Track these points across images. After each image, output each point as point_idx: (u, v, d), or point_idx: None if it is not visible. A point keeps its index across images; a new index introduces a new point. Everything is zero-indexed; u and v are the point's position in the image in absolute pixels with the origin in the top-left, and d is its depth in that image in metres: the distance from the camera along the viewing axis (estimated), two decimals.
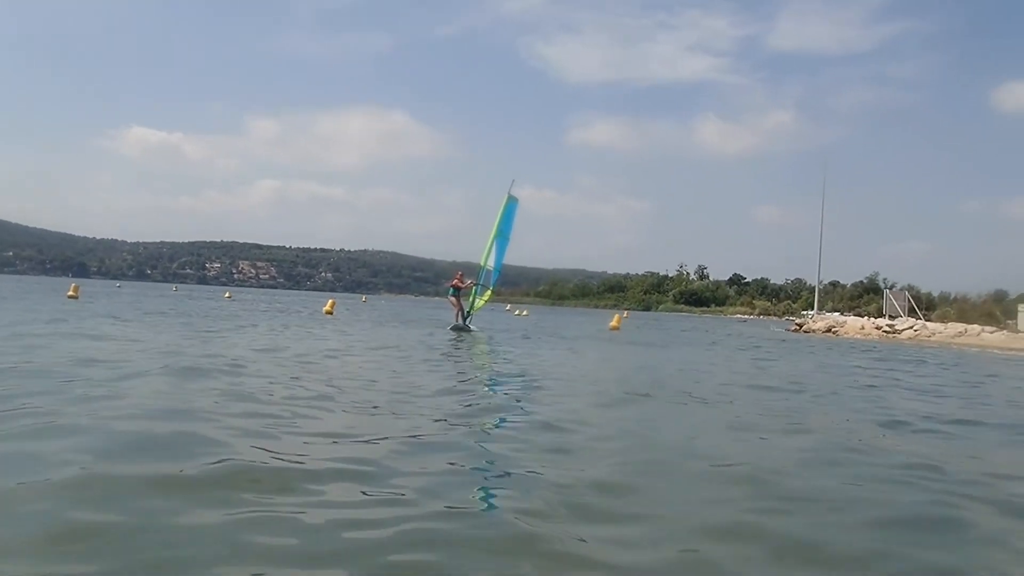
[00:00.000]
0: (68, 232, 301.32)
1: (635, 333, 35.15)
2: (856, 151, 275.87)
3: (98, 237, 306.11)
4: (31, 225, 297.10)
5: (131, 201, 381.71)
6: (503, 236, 25.10)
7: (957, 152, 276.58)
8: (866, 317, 58.10)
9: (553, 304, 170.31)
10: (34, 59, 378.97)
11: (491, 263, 24.82)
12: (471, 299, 24.66)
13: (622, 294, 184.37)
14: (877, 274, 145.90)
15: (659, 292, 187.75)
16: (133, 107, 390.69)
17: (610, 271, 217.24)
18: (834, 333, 49.20)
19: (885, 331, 46.14)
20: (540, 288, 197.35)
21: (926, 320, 50.45)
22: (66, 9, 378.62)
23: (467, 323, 24.39)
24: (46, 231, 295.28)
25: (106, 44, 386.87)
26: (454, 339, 21.03)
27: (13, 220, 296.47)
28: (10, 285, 61.87)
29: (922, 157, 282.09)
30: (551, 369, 13.46)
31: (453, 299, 24.68)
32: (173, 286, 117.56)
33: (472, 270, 25.05)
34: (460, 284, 24.34)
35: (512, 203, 25.29)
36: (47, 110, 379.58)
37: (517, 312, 63.65)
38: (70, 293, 36.85)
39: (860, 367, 19.21)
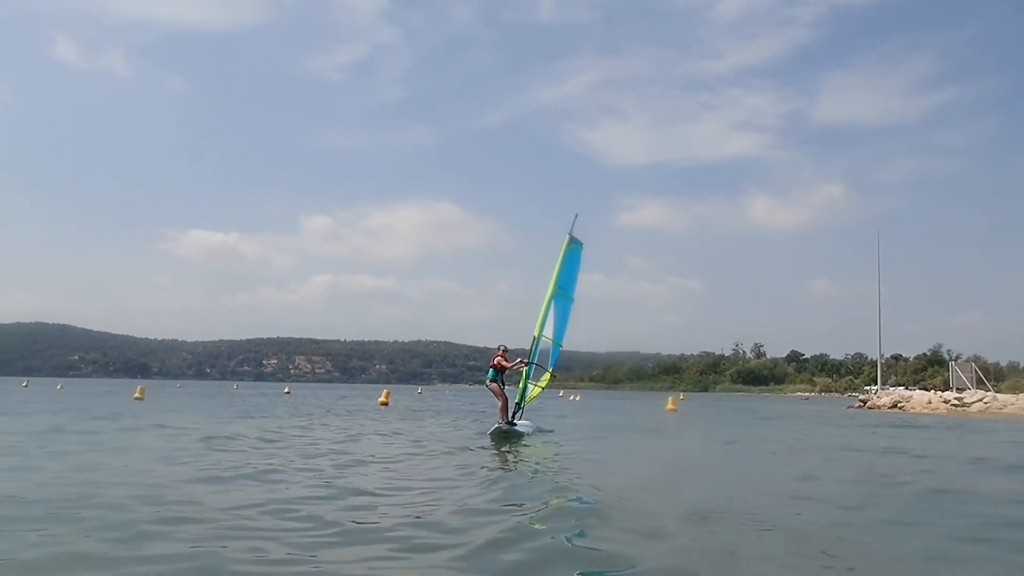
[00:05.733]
0: (130, 334, 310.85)
1: (703, 419, 34.55)
2: (909, 221, 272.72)
3: (159, 338, 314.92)
4: (94, 329, 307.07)
5: (190, 301, 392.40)
6: (564, 294, 17.77)
7: (1010, 219, 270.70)
8: (932, 391, 56.41)
9: (608, 387, 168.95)
10: (93, 168, 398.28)
11: (549, 332, 17.36)
12: (522, 384, 17.23)
13: (678, 376, 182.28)
14: (940, 346, 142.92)
15: (715, 372, 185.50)
16: (191, 211, 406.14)
17: (664, 352, 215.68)
18: (901, 408, 47.82)
19: (953, 404, 44.72)
20: (594, 372, 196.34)
21: (996, 391, 48.81)
22: (120, 120, 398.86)
23: (515, 419, 16.80)
24: (109, 334, 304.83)
25: (162, 151, 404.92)
26: (495, 460, 11.99)
27: (78, 324, 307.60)
28: (92, 389, 63.51)
29: (975, 225, 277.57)
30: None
31: (494, 385, 16.77)
32: (234, 384, 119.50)
33: (523, 356, 17.23)
34: (504, 363, 16.70)
35: (575, 248, 17.99)
36: (107, 217, 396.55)
37: (571, 397, 63.37)
38: (136, 395, 37.81)
39: None
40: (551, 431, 18.43)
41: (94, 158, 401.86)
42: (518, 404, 17.16)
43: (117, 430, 16.29)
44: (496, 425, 16.53)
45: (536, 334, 17.08)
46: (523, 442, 15.26)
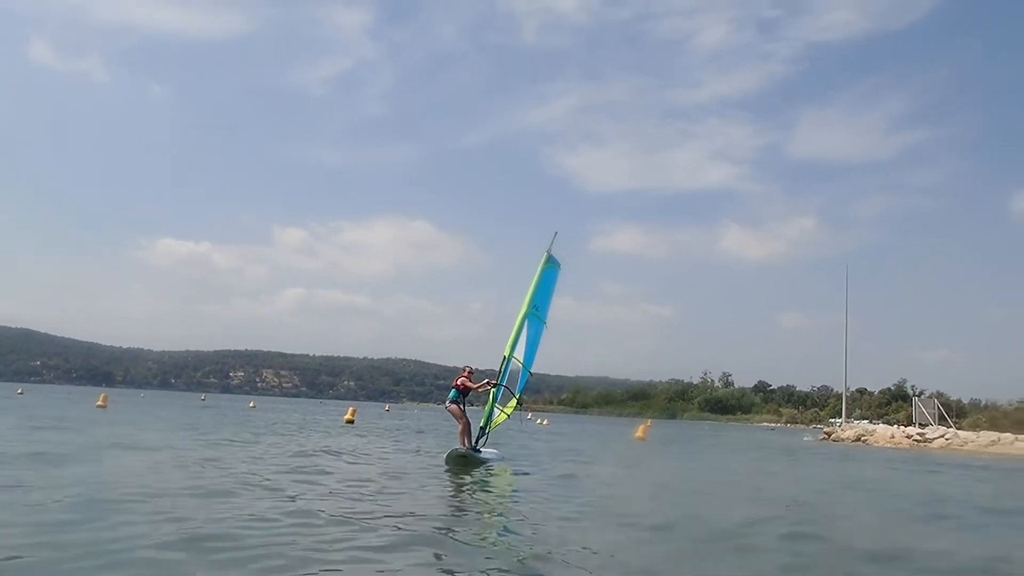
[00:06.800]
0: (95, 341, 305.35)
1: (687, 452, 34.65)
2: (879, 257, 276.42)
3: (124, 346, 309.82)
4: (58, 335, 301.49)
5: (158, 310, 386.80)
6: (537, 316, 16.59)
7: (979, 258, 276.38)
8: (896, 425, 57.13)
9: (576, 411, 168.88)
10: (64, 171, 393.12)
11: (520, 354, 16.13)
12: (488, 408, 15.88)
13: (646, 402, 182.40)
14: (905, 381, 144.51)
15: (684, 399, 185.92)
16: (162, 219, 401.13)
17: (633, 378, 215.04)
18: (864, 442, 48.39)
19: (916, 440, 45.33)
20: (563, 396, 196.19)
21: (957, 428, 49.57)
22: (95, 125, 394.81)
23: (478, 444, 15.69)
24: (73, 340, 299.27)
25: (135, 157, 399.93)
26: (449, 489, 11.71)
27: (41, 330, 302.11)
28: (54, 397, 62.35)
29: (945, 263, 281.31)
30: None
31: (455, 407, 15.51)
32: (202, 395, 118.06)
33: (491, 376, 16.08)
34: (469, 384, 15.62)
35: (552, 268, 16.95)
36: (77, 222, 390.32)
37: (539, 421, 63.33)
38: (99, 403, 37.31)
39: None
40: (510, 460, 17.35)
41: (65, 162, 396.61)
42: (482, 429, 15.83)
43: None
44: (453, 448, 15.35)
45: (507, 354, 15.74)
46: (488, 470, 14.29)
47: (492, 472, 14.19)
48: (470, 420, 15.66)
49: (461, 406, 15.53)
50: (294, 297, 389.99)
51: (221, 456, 14.26)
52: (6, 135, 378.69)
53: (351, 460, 15.47)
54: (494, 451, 16.23)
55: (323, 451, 16.97)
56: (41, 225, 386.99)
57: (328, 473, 12.31)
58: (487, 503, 10.34)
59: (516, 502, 10.74)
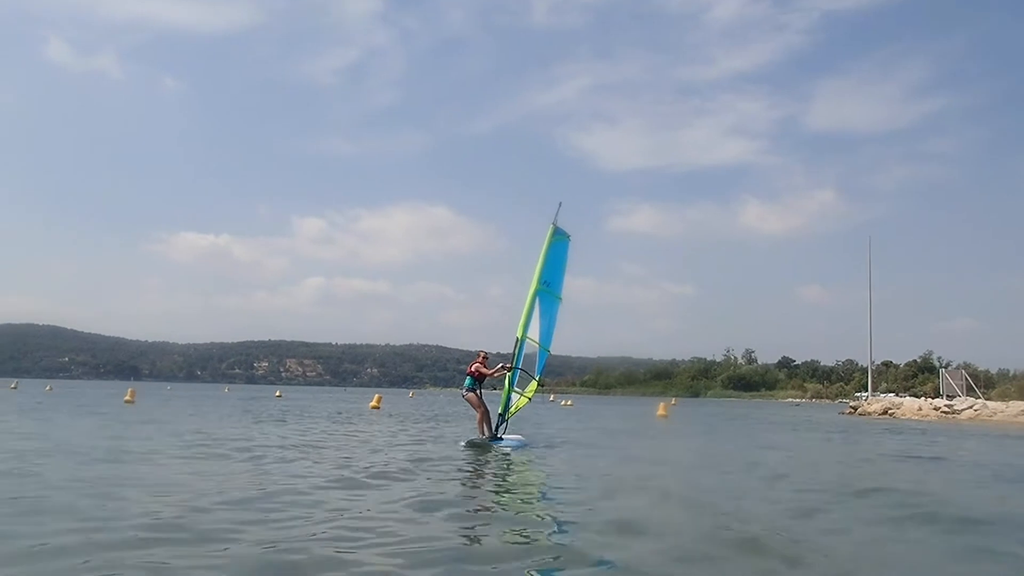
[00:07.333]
0: (121, 336, 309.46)
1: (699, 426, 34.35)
2: (900, 228, 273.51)
3: (150, 340, 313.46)
4: (85, 331, 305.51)
5: (181, 304, 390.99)
6: (550, 292, 15.87)
7: (1000, 226, 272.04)
8: (922, 398, 56.68)
9: (600, 392, 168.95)
10: (85, 169, 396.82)
11: (535, 334, 15.42)
12: (505, 393, 15.23)
13: (669, 381, 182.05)
14: (931, 353, 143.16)
15: (707, 378, 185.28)
16: (182, 213, 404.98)
17: (655, 357, 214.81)
18: (891, 415, 48.05)
19: (944, 412, 44.95)
20: (586, 377, 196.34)
21: (985, 399, 49.06)
22: (113, 121, 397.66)
23: (499, 432, 15.26)
24: (99, 336, 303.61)
25: (152, 152, 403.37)
26: (467, 473, 11.04)
27: (68, 326, 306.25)
28: (88, 392, 63.08)
29: (966, 232, 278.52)
30: None
31: (471, 395, 15.29)
32: (225, 387, 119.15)
33: (506, 360, 15.38)
34: (484, 370, 15.22)
35: (560, 240, 16.21)
36: (99, 219, 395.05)
37: (563, 402, 63.50)
38: (127, 398, 37.62)
39: None
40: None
41: (86, 159, 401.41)
42: (502, 416, 15.28)
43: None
44: (471, 439, 15.28)
45: (520, 335, 15.11)
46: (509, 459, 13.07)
47: (573, 458, 13.97)
48: (488, 408, 15.35)
49: (478, 393, 15.29)
50: (314, 286, 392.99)
51: (311, 443, 15.12)
52: (30, 135, 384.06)
53: (434, 445, 15.51)
54: (517, 437, 15.62)
55: (395, 445, 16.35)
56: (65, 223, 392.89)
57: (431, 460, 12.29)
58: (599, 486, 9.93)
59: (638, 483, 10.49)
